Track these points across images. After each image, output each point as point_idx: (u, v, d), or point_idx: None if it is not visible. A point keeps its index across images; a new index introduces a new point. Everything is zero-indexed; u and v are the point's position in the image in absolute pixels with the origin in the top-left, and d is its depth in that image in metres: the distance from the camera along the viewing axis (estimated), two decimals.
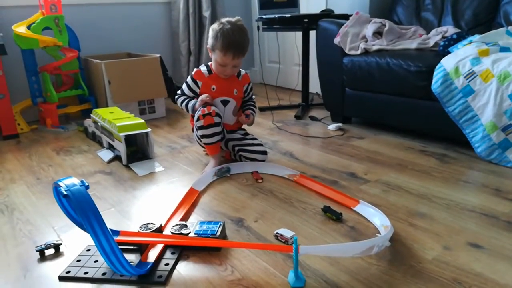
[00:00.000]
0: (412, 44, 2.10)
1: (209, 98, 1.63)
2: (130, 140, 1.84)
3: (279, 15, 2.49)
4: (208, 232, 1.12)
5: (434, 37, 2.14)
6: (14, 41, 2.32)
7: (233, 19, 1.60)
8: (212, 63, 1.68)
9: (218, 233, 1.12)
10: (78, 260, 1.07)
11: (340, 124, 2.25)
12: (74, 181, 0.94)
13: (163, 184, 1.59)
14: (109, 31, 2.93)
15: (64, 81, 2.61)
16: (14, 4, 2.51)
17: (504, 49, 1.69)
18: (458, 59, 1.69)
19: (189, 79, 1.71)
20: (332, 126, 2.23)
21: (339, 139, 2.06)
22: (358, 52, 2.10)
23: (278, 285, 0.95)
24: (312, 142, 2.03)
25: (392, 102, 1.99)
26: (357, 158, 1.78)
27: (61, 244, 1.15)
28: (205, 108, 1.61)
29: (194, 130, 1.73)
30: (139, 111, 2.60)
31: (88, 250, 1.12)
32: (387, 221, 1.17)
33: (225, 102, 1.70)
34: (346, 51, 2.13)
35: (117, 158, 1.87)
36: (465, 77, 1.66)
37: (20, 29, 2.29)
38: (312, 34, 2.46)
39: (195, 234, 1.13)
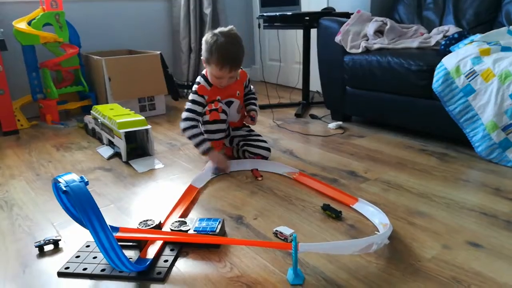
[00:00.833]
0: (413, 43, 2.10)
1: (225, 167, 1.61)
2: (130, 137, 1.84)
3: (280, 13, 2.48)
4: (208, 229, 1.12)
5: (435, 36, 2.14)
6: (15, 37, 2.31)
7: (225, 29, 1.57)
8: (208, 75, 1.64)
9: (218, 230, 1.12)
10: (77, 256, 1.07)
11: (340, 123, 2.25)
12: (74, 177, 0.94)
13: (163, 181, 1.59)
14: (109, 27, 2.92)
15: (64, 77, 2.61)
16: (14, 0, 2.50)
17: (505, 49, 1.68)
18: (459, 58, 1.69)
19: (193, 95, 1.64)
20: (332, 125, 2.23)
21: (340, 137, 2.06)
22: (359, 50, 2.09)
23: (277, 282, 0.95)
24: (312, 140, 2.03)
25: (393, 101, 1.99)
26: (357, 156, 1.78)
27: (60, 240, 1.15)
28: (212, 104, 1.61)
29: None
30: (139, 108, 2.60)
31: (87, 246, 1.12)
32: (385, 219, 1.17)
33: (229, 103, 1.70)
34: (347, 50, 2.12)
35: (117, 154, 1.87)
36: (466, 76, 1.66)
37: (21, 25, 2.29)
38: (313, 32, 2.46)
39: (194, 231, 1.13)
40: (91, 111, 2.15)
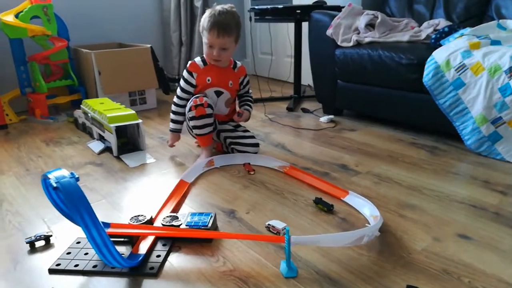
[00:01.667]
0: (404, 37, 2.10)
1: (171, 141, 1.80)
2: (121, 131, 1.82)
3: (271, 6, 2.47)
4: (200, 224, 1.12)
5: (426, 29, 2.15)
6: (2, 30, 2.27)
7: (226, 6, 1.62)
8: (204, 51, 1.67)
9: (210, 225, 1.12)
10: (68, 253, 1.07)
11: (331, 116, 2.26)
12: (64, 173, 0.93)
13: (154, 175, 1.59)
14: (99, 20, 2.88)
15: (53, 71, 2.58)
16: None
17: (495, 42, 1.70)
18: (450, 52, 1.70)
19: (184, 72, 1.69)
20: (324, 118, 2.23)
21: (331, 131, 2.07)
22: (351, 44, 2.09)
23: (270, 275, 0.96)
24: (304, 134, 2.04)
25: (384, 95, 2.00)
26: (348, 150, 1.79)
27: (51, 235, 1.14)
28: (197, 99, 1.60)
29: (186, 121, 1.73)
30: (130, 102, 2.58)
31: (78, 242, 1.11)
32: (376, 211, 1.18)
33: (218, 93, 1.69)
34: (339, 43, 2.12)
35: (107, 149, 1.86)
36: (456, 70, 1.67)
37: (8, 17, 2.25)
38: (305, 25, 2.45)
39: (186, 225, 1.12)
40: (81, 105, 2.13)
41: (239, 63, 1.76)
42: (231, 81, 1.71)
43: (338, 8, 2.37)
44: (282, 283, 0.93)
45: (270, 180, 1.50)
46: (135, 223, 1.12)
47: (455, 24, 1.97)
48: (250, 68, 3.61)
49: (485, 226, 1.15)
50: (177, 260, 1.04)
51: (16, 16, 2.29)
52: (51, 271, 1.00)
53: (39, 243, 1.13)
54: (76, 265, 1.01)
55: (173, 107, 1.73)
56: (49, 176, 0.92)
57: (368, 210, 1.22)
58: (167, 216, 1.17)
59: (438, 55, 1.72)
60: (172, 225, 1.13)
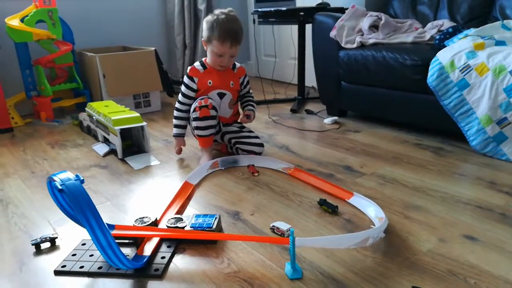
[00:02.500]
0: (408, 38, 2.10)
1: (177, 147, 1.78)
2: (126, 134, 1.83)
3: (275, 8, 2.48)
4: (204, 225, 1.12)
5: (430, 30, 2.14)
6: (8, 34, 2.29)
7: (225, 10, 1.61)
8: (207, 57, 1.67)
9: (214, 226, 1.12)
10: (74, 255, 1.07)
11: (336, 118, 2.25)
12: (69, 175, 0.93)
13: (159, 177, 1.59)
14: (103, 24, 2.90)
15: (58, 74, 2.59)
16: None
17: (499, 43, 1.69)
18: (454, 53, 1.69)
19: (185, 78, 1.69)
20: (328, 120, 2.23)
21: (335, 132, 2.07)
22: (354, 45, 2.09)
23: (275, 277, 0.96)
24: (308, 136, 2.04)
25: (388, 96, 2.00)
26: (353, 151, 1.78)
27: (56, 237, 1.15)
28: (202, 100, 1.61)
29: (190, 122, 1.73)
30: (134, 104, 2.59)
31: (83, 244, 1.12)
32: (381, 213, 1.18)
33: (221, 95, 1.69)
34: (342, 45, 2.12)
35: (112, 152, 1.86)
36: (460, 71, 1.67)
37: (14, 22, 2.27)
38: (308, 27, 2.45)
39: (191, 227, 1.13)
40: (85, 108, 2.14)
41: (237, 64, 1.76)
42: (232, 82, 1.71)
43: (342, 10, 2.38)
44: (287, 284, 0.93)
45: (274, 182, 1.50)
46: (140, 225, 1.13)
47: (459, 25, 1.97)
48: (254, 70, 3.62)
49: (491, 227, 1.14)
50: (181, 262, 1.04)
51: (22, 20, 2.31)
52: (57, 273, 1.01)
53: (45, 245, 1.13)
54: (82, 267, 1.01)
55: (175, 113, 1.74)
56: (55, 178, 0.92)
57: (373, 211, 1.22)
58: (172, 218, 1.18)
59: (443, 56, 1.72)
60: (177, 227, 1.13)
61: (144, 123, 1.81)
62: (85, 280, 0.98)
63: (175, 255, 1.06)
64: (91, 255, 1.06)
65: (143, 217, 1.16)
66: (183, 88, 1.70)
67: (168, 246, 1.09)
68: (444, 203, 1.28)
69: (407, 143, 1.85)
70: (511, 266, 0.97)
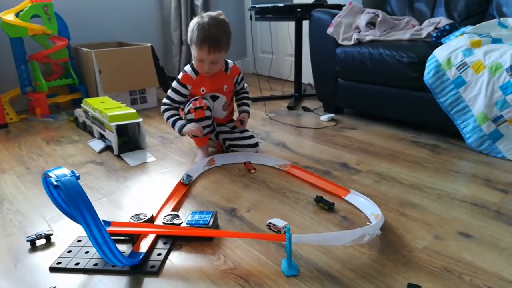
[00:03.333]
0: (405, 35, 2.10)
1: (199, 130, 1.58)
2: (122, 130, 1.82)
3: (272, 5, 2.47)
4: (200, 222, 1.12)
5: (427, 28, 2.14)
6: (3, 29, 2.27)
7: (214, 13, 1.55)
8: (193, 62, 1.63)
9: (210, 223, 1.12)
10: (69, 251, 1.06)
11: (332, 115, 2.25)
12: (65, 171, 0.93)
13: (155, 174, 1.59)
14: (99, 19, 2.88)
15: (53, 70, 2.57)
16: None
17: (496, 41, 1.70)
18: (450, 50, 1.69)
19: (176, 84, 1.64)
20: (324, 117, 2.23)
21: (332, 129, 2.07)
22: (351, 42, 2.09)
23: (271, 274, 0.96)
24: (304, 133, 2.04)
25: (385, 93, 2.00)
26: (349, 148, 1.79)
27: (52, 234, 1.14)
28: (197, 102, 1.59)
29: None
30: (131, 101, 2.58)
31: (79, 241, 1.11)
32: (377, 210, 1.18)
33: (214, 98, 1.67)
34: (339, 42, 2.12)
35: (108, 148, 1.86)
36: (457, 68, 1.67)
37: (8, 16, 2.25)
38: (305, 24, 2.45)
39: (187, 224, 1.12)
40: (81, 104, 2.13)
41: (230, 63, 1.71)
42: (226, 85, 1.68)
43: (339, 7, 2.37)
44: (283, 281, 0.93)
45: (271, 179, 1.50)
46: (136, 222, 1.12)
47: (456, 23, 1.97)
48: (251, 66, 3.61)
49: (487, 224, 1.14)
50: (178, 259, 1.03)
51: (17, 15, 2.29)
52: (52, 270, 1.00)
53: (40, 242, 1.13)
54: (77, 264, 1.01)
55: (169, 113, 1.66)
56: (50, 174, 0.91)
57: (369, 208, 1.22)
58: (168, 215, 1.17)
59: (439, 54, 1.72)
60: (173, 224, 1.13)
61: (140, 120, 1.80)
62: (81, 277, 0.98)
63: (171, 252, 1.06)
64: (87, 252, 1.06)
65: (139, 214, 1.16)
66: (172, 94, 1.64)
67: (164, 243, 1.09)
68: (440, 201, 1.29)
69: (403, 141, 1.86)
70: (505, 263, 0.97)
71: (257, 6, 2.53)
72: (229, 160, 1.66)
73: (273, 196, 1.36)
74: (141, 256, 1.01)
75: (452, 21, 2.09)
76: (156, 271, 0.98)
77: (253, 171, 1.56)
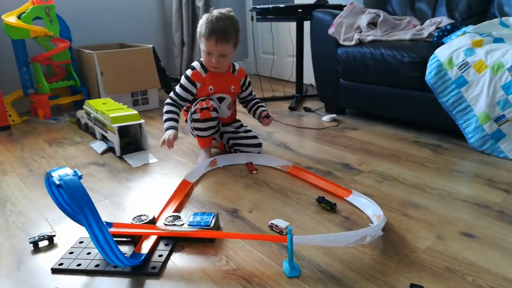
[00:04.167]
0: (406, 35, 2.10)
1: (170, 143, 1.53)
2: (124, 132, 1.82)
3: (273, 5, 2.47)
4: (202, 223, 1.12)
5: (428, 27, 2.14)
6: (5, 31, 2.28)
7: (223, 10, 1.59)
8: (202, 57, 1.64)
9: (212, 224, 1.12)
10: (71, 252, 1.07)
11: (334, 115, 2.25)
12: (67, 171, 0.93)
13: (157, 175, 1.59)
14: (101, 21, 2.89)
15: (55, 72, 2.58)
16: None
17: (497, 40, 1.69)
18: (452, 50, 1.69)
19: (184, 81, 1.63)
20: (326, 117, 2.23)
21: (333, 130, 2.07)
22: (353, 43, 2.09)
23: (273, 275, 0.96)
24: (306, 133, 2.03)
25: (386, 93, 1.99)
26: (351, 149, 1.78)
27: (54, 235, 1.14)
28: (203, 102, 1.59)
29: (188, 120, 1.73)
30: (132, 102, 2.58)
31: (81, 242, 1.11)
32: (379, 211, 1.18)
33: (220, 99, 1.68)
34: (341, 42, 2.12)
35: (110, 149, 1.86)
36: (458, 68, 1.67)
37: (10, 19, 2.25)
38: (306, 24, 2.45)
39: (188, 225, 1.12)
40: (83, 106, 2.13)
41: (237, 65, 1.74)
42: (233, 86, 1.70)
43: (340, 7, 2.37)
44: (286, 282, 0.93)
45: (272, 180, 1.50)
46: (137, 223, 1.12)
47: (457, 22, 1.96)
48: (252, 67, 3.61)
49: (489, 225, 1.14)
50: (180, 260, 1.04)
51: (19, 17, 2.30)
52: (54, 271, 1.01)
53: (43, 243, 1.13)
54: (79, 265, 1.01)
55: (168, 107, 1.65)
56: (52, 174, 0.92)
57: (371, 209, 1.22)
58: (170, 216, 1.17)
59: (441, 53, 1.72)
60: (175, 225, 1.13)
61: (142, 121, 1.81)
62: (83, 278, 0.98)
63: (173, 253, 1.06)
64: (89, 253, 1.06)
65: (141, 215, 1.16)
66: (180, 90, 1.63)
67: (166, 244, 1.09)
68: (442, 201, 1.29)
69: (405, 141, 1.85)
70: (508, 263, 0.97)
71: (258, 7, 2.53)
72: (231, 161, 1.66)
73: (275, 197, 1.36)
74: (142, 257, 1.01)
75: (453, 21, 2.09)
76: (157, 272, 0.98)
77: (255, 172, 1.56)
